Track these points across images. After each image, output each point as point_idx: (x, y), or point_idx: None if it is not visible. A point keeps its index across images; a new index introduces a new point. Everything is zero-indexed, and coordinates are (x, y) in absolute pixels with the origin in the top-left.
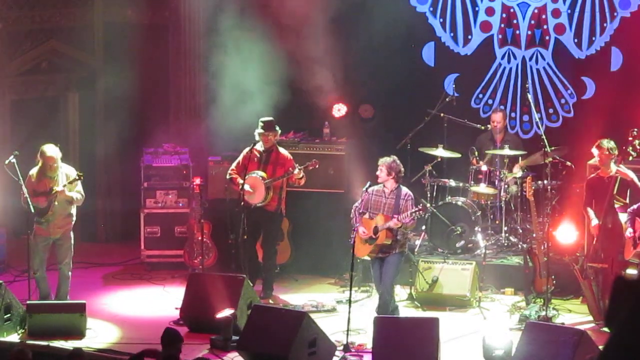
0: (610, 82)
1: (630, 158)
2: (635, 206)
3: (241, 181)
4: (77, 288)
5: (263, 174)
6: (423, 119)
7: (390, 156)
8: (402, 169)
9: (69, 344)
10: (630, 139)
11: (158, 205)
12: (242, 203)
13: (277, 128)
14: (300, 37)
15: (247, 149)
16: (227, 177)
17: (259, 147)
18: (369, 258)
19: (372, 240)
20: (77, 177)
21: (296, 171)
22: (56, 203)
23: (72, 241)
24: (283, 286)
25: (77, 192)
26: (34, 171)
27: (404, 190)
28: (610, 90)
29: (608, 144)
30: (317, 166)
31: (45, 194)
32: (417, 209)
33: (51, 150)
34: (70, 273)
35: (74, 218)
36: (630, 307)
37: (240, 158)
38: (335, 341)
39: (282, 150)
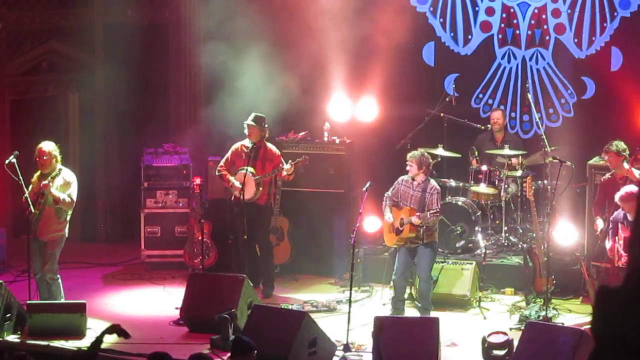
0: (611, 82)
1: None
2: (615, 214)
3: (232, 179)
4: (77, 288)
5: (252, 170)
6: (423, 118)
7: (418, 149)
8: (431, 161)
9: (69, 344)
10: None
11: (158, 205)
12: (232, 199)
13: (266, 126)
14: (300, 37)
15: (236, 145)
16: (217, 173)
17: (247, 142)
18: (396, 246)
19: (399, 232)
20: (57, 173)
21: (287, 166)
22: (42, 201)
23: (58, 250)
24: (283, 286)
25: (67, 195)
26: (37, 173)
27: (431, 183)
28: (611, 90)
29: (616, 146)
30: (307, 162)
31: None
32: (436, 210)
33: (44, 143)
34: (56, 280)
35: (66, 231)
36: (621, 320)
37: (228, 154)
38: (335, 341)
39: (270, 145)
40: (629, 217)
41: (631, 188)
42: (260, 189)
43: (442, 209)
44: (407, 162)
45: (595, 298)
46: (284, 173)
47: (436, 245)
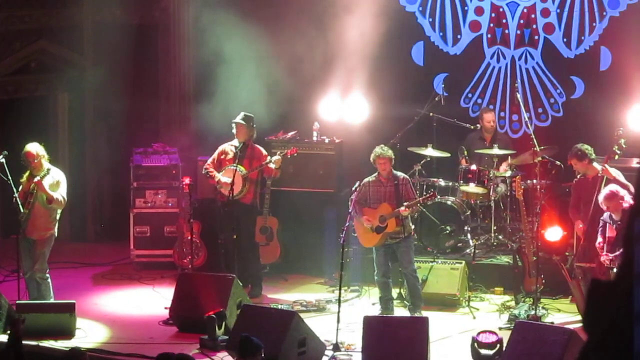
0: (600, 82)
1: (616, 157)
2: (605, 215)
3: (218, 176)
4: (66, 288)
5: (241, 167)
6: (412, 118)
7: (380, 147)
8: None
9: (58, 344)
10: (616, 137)
11: (147, 205)
12: (219, 197)
13: (254, 126)
14: (289, 37)
15: (223, 146)
16: (203, 171)
17: (235, 142)
18: (375, 246)
19: (381, 229)
20: (46, 173)
21: (275, 158)
22: (31, 200)
23: (47, 249)
24: (273, 285)
25: (59, 194)
26: (26, 173)
27: (399, 174)
28: (600, 90)
29: (575, 152)
30: (295, 154)
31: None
32: (428, 195)
33: (29, 146)
34: (46, 280)
35: (55, 230)
36: (611, 313)
37: (215, 154)
38: (325, 340)
39: (257, 146)
40: (614, 217)
41: (614, 187)
42: (247, 185)
43: (434, 192)
44: (379, 163)
45: (587, 291)
46: (272, 165)
47: (413, 238)
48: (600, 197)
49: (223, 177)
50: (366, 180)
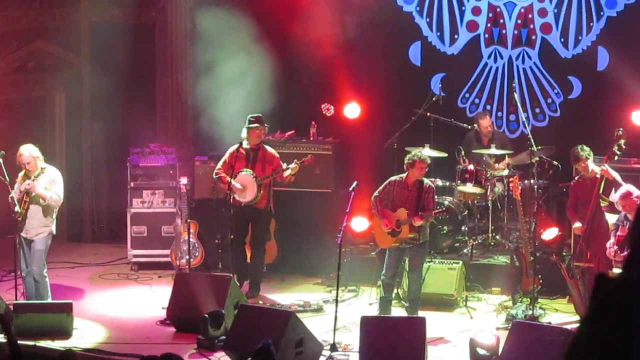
0: (597, 82)
1: (616, 157)
2: (617, 217)
3: (229, 179)
4: (63, 288)
5: (252, 171)
6: (410, 118)
7: (418, 151)
8: None
9: (55, 344)
10: (616, 138)
11: (145, 205)
12: (231, 201)
13: (266, 126)
14: (287, 37)
15: (234, 148)
16: (215, 175)
17: (246, 145)
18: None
19: (396, 233)
20: (41, 172)
21: (292, 165)
22: (27, 199)
23: (45, 249)
24: (270, 286)
25: (54, 193)
26: (21, 173)
27: (425, 182)
28: (597, 90)
29: (582, 152)
30: (312, 161)
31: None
32: (440, 210)
33: (22, 148)
34: (44, 279)
35: (54, 229)
36: (598, 300)
37: (226, 157)
38: (322, 341)
39: (268, 148)
40: (629, 217)
41: (630, 187)
42: (262, 191)
43: (449, 207)
44: (419, 166)
45: (593, 285)
46: (287, 173)
47: (427, 244)
48: (616, 197)
49: (236, 183)
50: (393, 179)
